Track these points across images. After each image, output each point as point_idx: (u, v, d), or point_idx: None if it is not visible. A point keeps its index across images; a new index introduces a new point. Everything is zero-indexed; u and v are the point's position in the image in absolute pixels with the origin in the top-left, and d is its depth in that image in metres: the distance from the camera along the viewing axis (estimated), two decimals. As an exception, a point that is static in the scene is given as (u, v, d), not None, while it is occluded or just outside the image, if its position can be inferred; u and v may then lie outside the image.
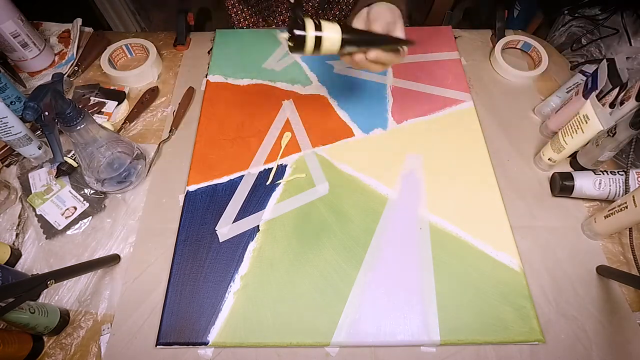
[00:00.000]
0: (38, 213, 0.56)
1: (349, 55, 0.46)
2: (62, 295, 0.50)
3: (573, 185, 0.54)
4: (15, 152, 0.60)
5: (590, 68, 0.65)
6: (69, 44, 0.75)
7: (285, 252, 0.52)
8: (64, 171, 0.57)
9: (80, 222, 0.56)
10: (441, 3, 0.96)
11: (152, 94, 0.68)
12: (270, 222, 0.55)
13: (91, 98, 0.67)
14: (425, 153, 0.61)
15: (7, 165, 0.61)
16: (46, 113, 0.42)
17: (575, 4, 0.84)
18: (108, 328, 0.48)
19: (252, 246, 0.53)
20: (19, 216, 0.56)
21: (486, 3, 0.87)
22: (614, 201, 0.50)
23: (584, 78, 0.63)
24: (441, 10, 0.99)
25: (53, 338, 0.48)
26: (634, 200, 0.46)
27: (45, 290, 0.42)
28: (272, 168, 0.59)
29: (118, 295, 0.50)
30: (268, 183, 0.58)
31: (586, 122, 0.51)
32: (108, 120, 0.65)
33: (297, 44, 0.42)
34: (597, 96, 0.54)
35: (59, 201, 0.56)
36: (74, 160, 0.58)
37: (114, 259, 0.52)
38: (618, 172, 0.54)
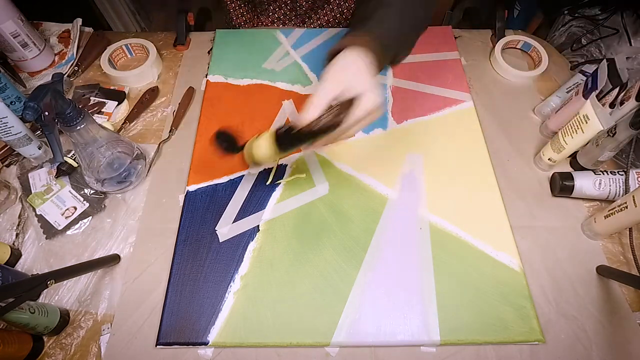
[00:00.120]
0: (38, 213, 0.56)
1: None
2: (62, 295, 0.50)
3: (573, 185, 0.54)
4: (15, 152, 0.60)
5: (590, 68, 0.65)
6: (69, 44, 0.75)
7: (285, 252, 0.52)
8: (64, 171, 0.57)
9: (80, 222, 0.56)
10: (441, 3, 0.96)
11: (152, 94, 0.68)
12: (270, 222, 0.55)
13: (91, 98, 0.67)
14: (425, 153, 0.61)
15: (7, 165, 0.61)
16: (46, 113, 0.42)
17: (575, 4, 0.84)
18: (108, 328, 0.48)
19: (252, 246, 0.53)
20: (19, 216, 0.56)
21: (486, 3, 0.87)
22: (614, 201, 0.50)
23: (584, 78, 0.63)
24: (441, 10, 0.98)
25: (53, 338, 0.48)
26: (634, 200, 0.46)
27: (45, 290, 0.42)
28: (272, 168, 0.59)
29: (118, 295, 0.50)
30: (268, 183, 0.58)
31: (586, 122, 0.51)
32: (108, 120, 0.65)
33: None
34: (597, 96, 0.54)
35: (59, 201, 0.56)
36: (74, 160, 0.58)
37: (114, 259, 0.52)
38: (618, 172, 0.54)
